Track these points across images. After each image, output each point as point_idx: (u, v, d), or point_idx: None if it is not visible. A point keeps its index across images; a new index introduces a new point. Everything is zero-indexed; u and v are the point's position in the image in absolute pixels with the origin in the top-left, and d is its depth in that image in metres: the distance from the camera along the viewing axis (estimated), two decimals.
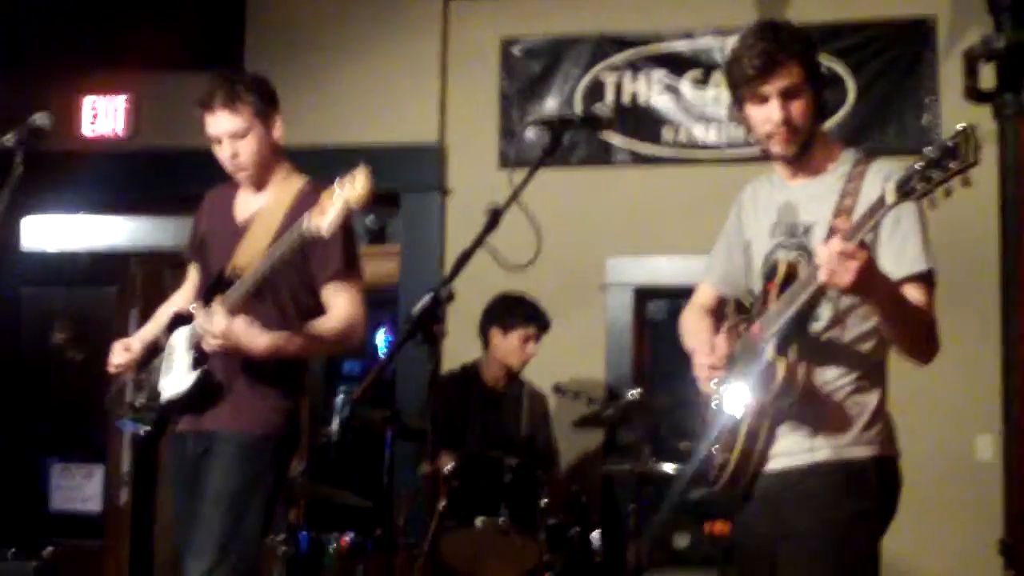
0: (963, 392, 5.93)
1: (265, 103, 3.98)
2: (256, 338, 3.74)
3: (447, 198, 6.59)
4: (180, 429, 3.95)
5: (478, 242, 3.21)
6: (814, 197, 3.20)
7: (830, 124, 6.12)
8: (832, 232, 2.98)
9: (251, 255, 3.81)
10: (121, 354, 4.09)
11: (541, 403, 5.81)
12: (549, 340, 5.77)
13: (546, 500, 4.97)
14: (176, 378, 3.90)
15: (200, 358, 3.82)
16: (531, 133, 6.35)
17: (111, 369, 4.10)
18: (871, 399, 3.17)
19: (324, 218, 3.43)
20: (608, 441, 6.03)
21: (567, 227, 5.93)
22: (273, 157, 4.03)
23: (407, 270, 6.54)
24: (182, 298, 4.19)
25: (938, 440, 5.93)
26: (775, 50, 3.12)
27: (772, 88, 3.12)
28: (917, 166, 2.58)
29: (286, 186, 4.01)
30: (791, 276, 3.11)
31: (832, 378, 3.14)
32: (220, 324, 3.68)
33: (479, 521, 4.82)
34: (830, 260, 2.75)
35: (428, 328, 3.10)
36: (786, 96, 3.13)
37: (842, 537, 3.07)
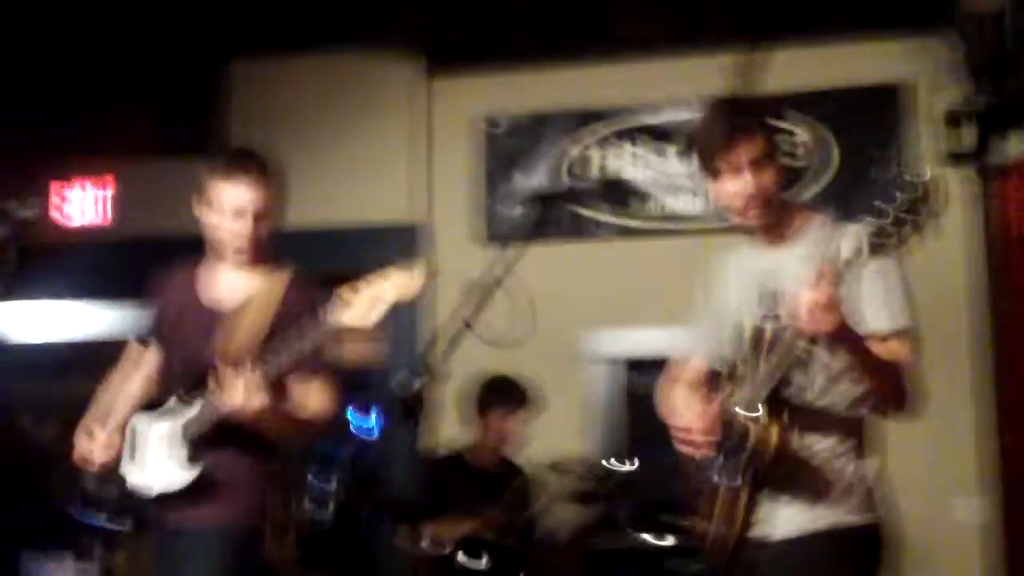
0: (940, 454, 5.91)
1: (283, 183, 3.89)
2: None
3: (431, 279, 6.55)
4: (169, 526, 3.76)
5: (466, 323, 3.20)
6: (789, 264, 3.20)
7: (817, 189, 6.16)
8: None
9: (244, 340, 3.70)
10: (93, 442, 3.89)
11: (529, 482, 5.75)
12: (537, 416, 5.74)
13: None
14: (161, 472, 3.73)
15: (198, 451, 3.66)
16: (515, 209, 6.37)
17: (89, 460, 3.88)
18: (868, 465, 3.19)
19: (349, 311, 3.38)
20: (597, 516, 5.97)
21: (547, 301, 5.87)
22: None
23: (389, 350, 6.50)
24: (132, 382, 4.01)
25: (915, 504, 5.89)
26: (742, 122, 3.18)
27: (742, 159, 3.16)
28: (888, 219, 2.61)
29: (276, 275, 3.86)
30: (772, 346, 3.10)
31: (829, 446, 3.15)
32: (262, 399, 3.50)
33: None
34: (809, 306, 2.77)
35: (414, 411, 3.08)
36: (755, 166, 3.16)
37: None
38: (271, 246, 3.91)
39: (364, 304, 3.35)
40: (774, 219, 3.23)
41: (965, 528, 5.90)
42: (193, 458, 3.66)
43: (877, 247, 2.64)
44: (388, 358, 6.53)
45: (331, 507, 3.59)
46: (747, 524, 3.14)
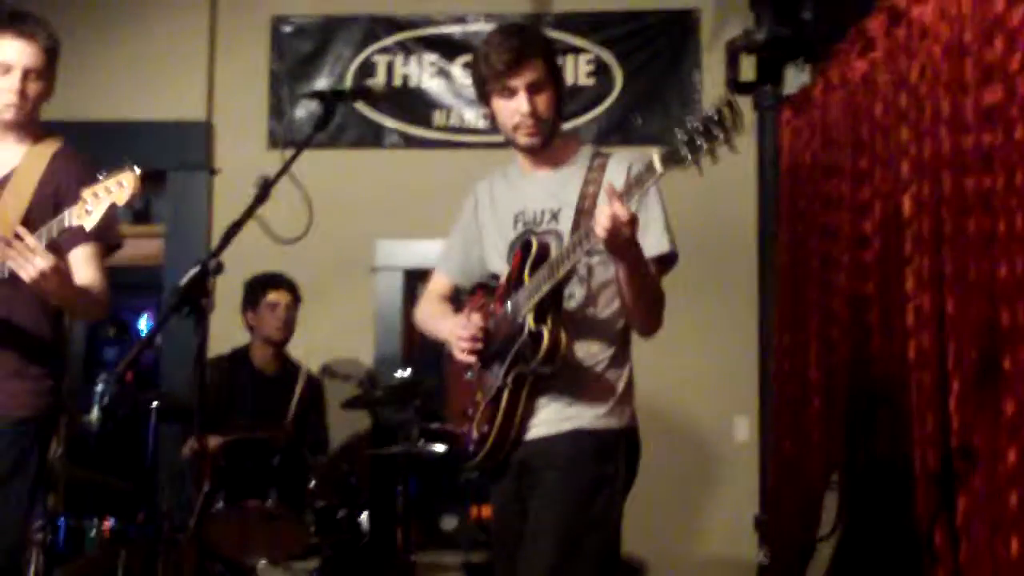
0: (722, 374, 6.15)
1: (56, 48, 3.76)
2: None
3: (214, 177, 6.46)
4: None
5: (249, 212, 3.17)
6: (558, 186, 3.38)
7: (598, 111, 6.28)
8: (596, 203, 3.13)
9: (11, 211, 3.60)
10: None
11: (315, 388, 5.77)
12: (318, 321, 5.74)
13: (315, 483, 4.96)
14: None
15: None
16: (302, 110, 6.31)
17: None
18: (623, 374, 3.35)
19: (88, 218, 3.33)
20: (376, 423, 6.03)
21: (337, 209, 5.88)
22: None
23: (172, 250, 6.40)
24: None
25: (697, 420, 6.14)
26: (522, 47, 3.29)
27: (520, 82, 3.30)
28: (683, 136, 2.68)
29: (42, 148, 3.76)
30: (542, 255, 3.22)
31: (589, 353, 3.30)
32: (49, 262, 3.36)
33: (247, 503, 4.77)
34: (612, 219, 2.84)
35: (195, 301, 3.04)
36: (532, 90, 3.30)
37: (585, 498, 3.20)
38: (39, 121, 3.82)
39: (101, 210, 3.33)
40: (545, 143, 3.36)
41: (745, 445, 6.17)
42: None
43: (680, 160, 2.68)
44: (169, 256, 6.43)
45: (98, 411, 3.51)
46: (509, 422, 3.25)
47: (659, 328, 3.27)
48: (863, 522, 4.30)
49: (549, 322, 3.14)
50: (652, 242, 3.20)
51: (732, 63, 6.09)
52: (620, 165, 3.28)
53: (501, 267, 3.42)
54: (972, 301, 3.69)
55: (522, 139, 3.36)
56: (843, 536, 4.35)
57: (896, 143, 4.35)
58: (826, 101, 5.22)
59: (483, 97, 3.41)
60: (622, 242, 2.91)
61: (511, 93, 3.30)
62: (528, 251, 3.26)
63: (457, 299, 3.61)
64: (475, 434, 3.33)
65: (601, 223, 2.86)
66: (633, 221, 2.87)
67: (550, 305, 3.16)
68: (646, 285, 3.14)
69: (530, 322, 3.15)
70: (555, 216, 3.34)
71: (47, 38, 3.71)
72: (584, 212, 3.23)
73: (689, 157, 2.67)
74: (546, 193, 3.39)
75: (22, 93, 3.68)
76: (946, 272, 3.86)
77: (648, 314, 3.24)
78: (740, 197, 6.16)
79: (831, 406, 4.99)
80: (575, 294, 3.28)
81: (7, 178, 3.73)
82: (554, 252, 3.18)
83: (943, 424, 3.89)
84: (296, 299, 5.63)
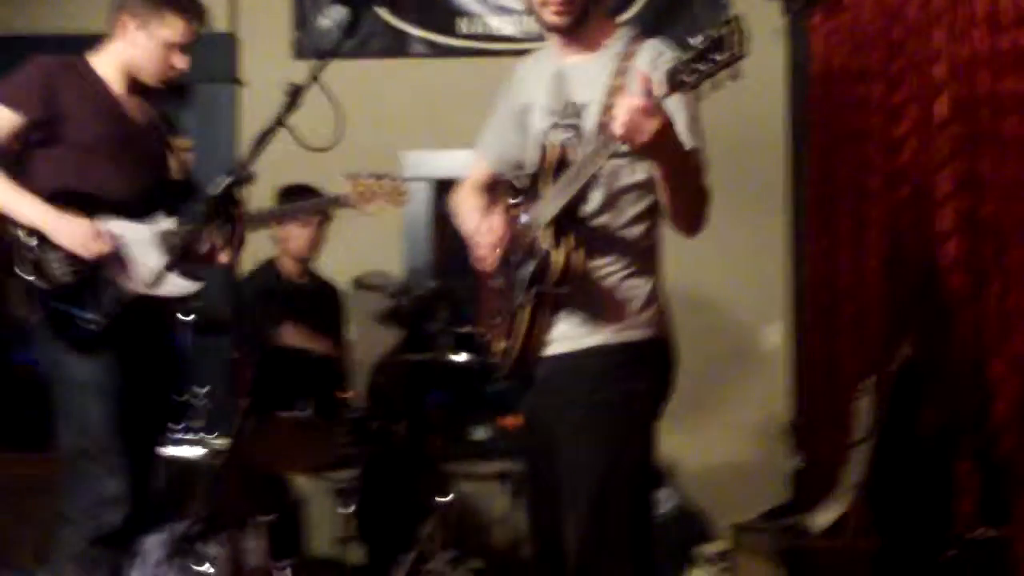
0: (753, 278, 6.12)
1: None
2: None
3: (240, 89, 6.43)
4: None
5: (279, 120, 3.13)
6: (588, 75, 3.19)
7: (624, 18, 6.18)
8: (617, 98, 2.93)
9: None
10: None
11: (338, 296, 5.78)
12: (346, 234, 5.72)
13: (348, 393, 4.98)
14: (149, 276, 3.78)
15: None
16: (326, 19, 6.24)
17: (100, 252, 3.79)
18: (645, 283, 3.20)
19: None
20: (409, 334, 6.03)
21: (363, 119, 5.79)
22: None
23: (200, 163, 6.37)
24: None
25: (728, 325, 6.12)
26: None
27: None
28: (684, 58, 2.54)
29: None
30: (563, 160, 3.09)
31: (605, 263, 3.15)
32: None
33: (280, 415, 4.79)
34: (631, 115, 2.68)
35: (227, 211, 3.03)
36: None
37: (615, 413, 3.11)
38: None
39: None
40: (576, 23, 3.17)
41: (776, 350, 6.16)
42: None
43: (679, 85, 2.55)
44: (196, 169, 6.40)
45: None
46: (529, 339, 3.17)
47: (703, 226, 3.09)
48: (899, 426, 4.29)
49: (564, 242, 3.02)
50: (687, 135, 2.99)
51: None
52: (649, 53, 3.09)
53: (534, 156, 3.26)
54: (1010, 202, 3.65)
55: (548, 16, 3.16)
56: (879, 441, 4.33)
57: (930, 45, 4.28)
58: (858, 3, 5.13)
59: None
60: (647, 139, 2.70)
61: None
62: (544, 156, 3.14)
63: (491, 190, 3.49)
64: (499, 345, 3.27)
65: (619, 118, 2.71)
66: (656, 111, 2.68)
67: (566, 222, 3.03)
68: (686, 183, 2.97)
69: (544, 241, 3.04)
70: (579, 111, 3.16)
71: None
72: (609, 110, 2.99)
73: (688, 82, 2.53)
74: (575, 82, 3.21)
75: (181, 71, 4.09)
76: (983, 174, 3.82)
77: (689, 213, 3.05)
78: (770, 102, 6.08)
79: (864, 311, 4.97)
80: (593, 199, 3.11)
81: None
82: (576, 155, 3.02)
83: (976, 328, 3.87)
84: (326, 217, 5.60)
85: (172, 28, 3.95)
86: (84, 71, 3.97)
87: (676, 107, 2.91)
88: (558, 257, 3.02)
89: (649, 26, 6.10)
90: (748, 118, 5.93)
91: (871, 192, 4.92)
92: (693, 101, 3.02)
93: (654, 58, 3.05)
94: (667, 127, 2.74)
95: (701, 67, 2.50)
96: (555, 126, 3.21)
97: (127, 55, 3.99)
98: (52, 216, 3.75)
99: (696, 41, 2.53)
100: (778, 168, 6.12)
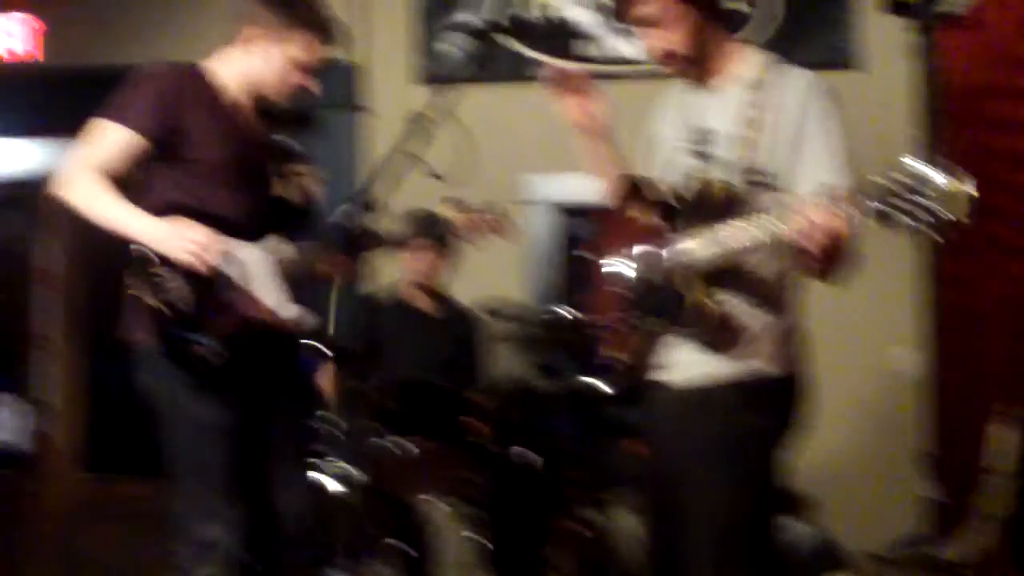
0: (883, 303, 5.98)
1: None
2: None
3: (361, 116, 6.46)
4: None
5: (402, 148, 3.13)
6: (718, 101, 3.18)
7: (762, 39, 6.09)
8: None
9: None
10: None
11: (472, 325, 5.78)
12: (470, 259, 5.71)
13: (477, 420, 4.96)
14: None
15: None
16: (449, 45, 6.24)
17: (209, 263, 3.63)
18: (777, 317, 3.15)
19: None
20: (532, 359, 6.00)
21: (485, 144, 5.78)
22: None
23: (326, 190, 6.41)
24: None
25: (857, 351, 5.99)
26: None
27: (632, 18, 3.17)
28: (884, 186, 2.50)
29: None
30: (708, 197, 3.05)
31: (737, 298, 3.11)
32: None
33: (408, 442, 4.79)
34: (814, 229, 2.69)
35: (351, 238, 3.02)
36: (643, 24, 3.16)
37: (741, 449, 3.08)
38: None
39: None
40: (689, 66, 3.19)
41: (901, 378, 6.01)
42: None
43: (886, 216, 2.53)
44: (326, 196, 6.45)
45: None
46: (644, 361, 3.17)
47: (843, 275, 3.02)
48: None
49: (704, 288, 3.01)
50: (819, 172, 2.99)
51: None
52: (798, 85, 3.07)
53: (658, 172, 3.29)
54: None
55: (665, 67, 3.23)
56: None
57: None
58: (998, 20, 5.00)
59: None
60: (823, 249, 2.74)
61: (635, 25, 3.19)
62: (696, 190, 3.10)
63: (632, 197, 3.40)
64: (614, 359, 3.25)
65: (801, 225, 2.71)
66: (839, 235, 2.69)
67: (710, 272, 3.02)
68: (834, 255, 2.87)
69: (683, 279, 3.02)
70: (715, 140, 3.15)
71: None
72: (746, 140, 3.03)
73: (882, 211, 2.51)
74: (710, 111, 3.20)
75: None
76: None
77: (824, 272, 2.99)
78: (898, 118, 5.94)
79: (1002, 336, 4.84)
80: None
81: None
82: (716, 188, 2.99)
83: None
84: (441, 245, 5.57)
85: (303, 47, 3.81)
86: (204, 81, 3.80)
87: (826, 130, 3.00)
88: (695, 300, 3.01)
89: (783, 50, 6.03)
90: (877, 135, 5.79)
91: (1007, 212, 4.78)
92: (836, 127, 3.02)
93: (804, 91, 3.03)
94: (843, 245, 2.76)
95: (903, 205, 2.47)
96: (691, 152, 3.20)
97: (250, 66, 3.82)
98: (165, 226, 3.57)
99: (897, 174, 2.49)
100: None
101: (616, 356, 3.22)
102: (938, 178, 2.45)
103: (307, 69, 3.83)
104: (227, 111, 3.79)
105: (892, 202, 2.50)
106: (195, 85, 3.76)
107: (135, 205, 3.62)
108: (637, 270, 3.19)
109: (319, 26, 3.85)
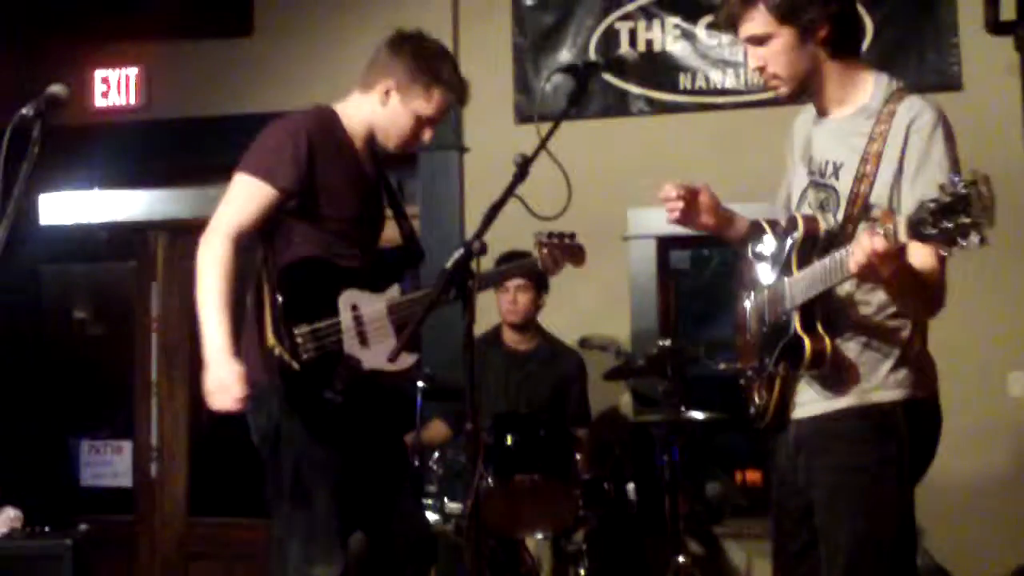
0: (995, 328, 5.88)
1: None
2: None
3: (464, 156, 6.52)
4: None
5: (509, 191, 3.14)
6: (842, 132, 3.14)
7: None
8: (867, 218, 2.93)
9: None
10: None
11: (576, 361, 5.78)
12: (574, 293, 5.73)
13: (580, 455, 4.96)
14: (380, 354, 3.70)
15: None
16: (550, 85, 6.28)
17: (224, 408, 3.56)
18: (897, 342, 3.10)
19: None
20: (637, 393, 5.99)
21: (587, 179, 5.78)
22: None
23: (427, 231, 6.48)
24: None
25: (970, 377, 5.88)
26: (734, 2, 3.11)
27: (742, 37, 3.14)
28: (930, 208, 2.43)
29: None
30: (813, 235, 3.05)
31: (855, 326, 3.09)
32: None
33: (515, 479, 4.80)
34: (868, 259, 2.65)
35: (462, 283, 3.04)
36: (754, 42, 3.12)
37: (868, 482, 3.05)
38: None
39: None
40: (800, 90, 3.15)
41: (1021, 401, 5.90)
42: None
43: (924, 237, 2.47)
44: (423, 236, 6.51)
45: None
46: (783, 402, 3.16)
47: (938, 310, 3.02)
48: None
49: (814, 330, 3.00)
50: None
51: (991, 2, 5.78)
52: (906, 117, 3.00)
53: (785, 211, 3.29)
54: None
55: (773, 88, 3.19)
56: None
57: None
58: None
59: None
60: (881, 280, 2.76)
61: (745, 45, 3.16)
62: (794, 228, 3.08)
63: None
64: (756, 400, 3.25)
65: (856, 257, 2.68)
66: (893, 259, 2.65)
67: (816, 310, 3.01)
68: (911, 288, 2.89)
69: (796, 324, 3.02)
70: (836, 171, 3.11)
71: None
72: (864, 178, 3.00)
73: (932, 236, 2.44)
74: (831, 141, 3.16)
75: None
76: None
77: (917, 308, 3.03)
78: (1009, 139, 5.84)
79: None
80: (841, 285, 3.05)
81: None
82: (836, 253, 2.89)
83: None
84: (533, 283, 5.58)
85: (434, 104, 3.85)
86: (338, 130, 3.85)
87: (934, 156, 2.95)
88: (809, 344, 3.00)
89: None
90: (988, 157, 5.71)
91: None
92: (948, 148, 2.98)
93: (907, 125, 2.98)
94: (903, 272, 2.75)
95: (945, 224, 2.41)
96: (813, 184, 3.20)
97: (377, 116, 3.86)
98: (217, 354, 3.53)
99: (941, 194, 2.43)
100: (1019, 211, 5.87)
101: (759, 402, 3.23)
102: (948, 189, 2.41)
103: (432, 124, 3.88)
104: (357, 162, 3.86)
105: (933, 220, 2.44)
106: (331, 137, 3.81)
107: (273, 257, 3.70)
108: (761, 317, 3.22)
109: (457, 87, 3.89)
